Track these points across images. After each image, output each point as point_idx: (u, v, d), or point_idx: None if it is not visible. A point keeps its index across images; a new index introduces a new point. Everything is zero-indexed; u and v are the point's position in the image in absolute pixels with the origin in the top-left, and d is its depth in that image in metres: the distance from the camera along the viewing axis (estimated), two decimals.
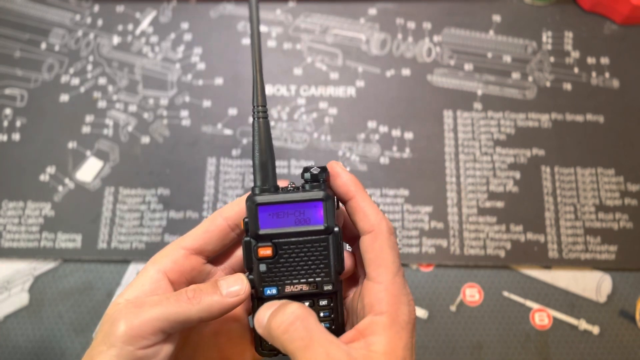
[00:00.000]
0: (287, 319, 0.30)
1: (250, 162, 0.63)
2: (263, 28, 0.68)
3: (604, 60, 0.66)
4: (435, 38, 0.68)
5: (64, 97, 0.66)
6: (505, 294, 0.58)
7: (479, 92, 0.65)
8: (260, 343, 0.36)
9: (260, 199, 0.34)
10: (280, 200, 0.34)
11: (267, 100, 0.36)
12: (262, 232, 0.34)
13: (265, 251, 0.34)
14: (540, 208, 0.61)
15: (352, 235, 0.38)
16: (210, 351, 0.36)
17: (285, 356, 0.32)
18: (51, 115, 0.65)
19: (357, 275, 0.37)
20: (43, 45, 0.68)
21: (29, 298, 0.59)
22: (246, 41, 0.68)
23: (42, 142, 0.64)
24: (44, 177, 0.62)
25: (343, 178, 0.35)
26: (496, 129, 0.64)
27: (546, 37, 0.67)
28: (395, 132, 0.64)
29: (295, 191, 0.35)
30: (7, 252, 0.60)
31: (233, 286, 0.33)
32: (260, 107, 0.35)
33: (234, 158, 0.63)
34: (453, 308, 0.58)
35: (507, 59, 0.66)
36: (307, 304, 0.35)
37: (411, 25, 0.68)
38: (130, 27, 0.69)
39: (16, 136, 0.64)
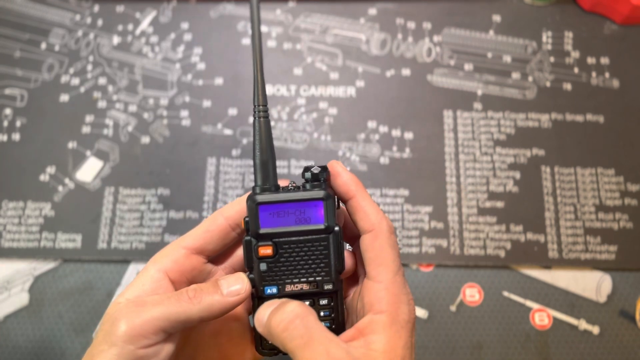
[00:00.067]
0: (286, 317, 0.31)
1: (250, 162, 0.63)
2: (263, 28, 0.68)
3: (604, 60, 0.66)
4: (435, 38, 0.68)
5: (64, 97, 0.66)
6: (505, 294, 0.58)
7: (479, 92, 0.65)
8: (261, 342, 0.36)
9: (260, 198, 0.34)
10: (281, 199, 0.34)
11: (267, 100, 0.36)
12: (262, 231, 0.34)
13: (266, 250, 0.34)
14: (540, 208, 0.61)
15: (352, 234, 0.38)
16: (210, 351, 0.36)
17: (285, 356, 0.32)
18: (51, 115, 0.65)
19: (357, 274, 0.37)
20: (43, 45, 0.68)
21: (29, 298, 0.59)
22: (246, 41, 0.68)
23: (42, 142, 0.64)
24: (44, 177, 0.62)
25: (343, 177, 0.35)
26: (496, 129, 0.64)
27: (546, 37, 0.67)
28: (395, 132, 0.64)
29: (295, 190, 0.35)
30: (7, 252, 0.60)
31: (234, 285, 0.33)
32: (261, 107, 0.35)
33: (234, 158, 0.63)
34: (453, 308, 0.58)
35: (507, 59, 0.66)
36: (307, 303, 0.35)
37: (411, 25, 0.68)
38: (130, 27, 0.69)
39: (16, 136, 0.64)
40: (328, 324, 0.35)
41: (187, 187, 0.62)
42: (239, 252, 0.38)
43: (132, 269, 0.60)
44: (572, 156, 0.62)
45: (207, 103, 0.65)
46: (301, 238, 0.34)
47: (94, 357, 0.30)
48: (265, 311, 0.33)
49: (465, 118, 0.64)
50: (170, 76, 0.66)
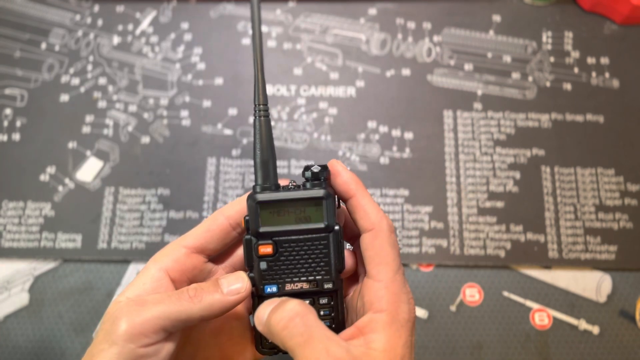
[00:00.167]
0: (286, 315, 0.30)
1: (250, 162, 0.63)
2: (263, 28, 0.68)
3: (604, 60, 0.66)
4: (435, 38, 0.68)
5: (64, 97, 0.66)
6: (505, 294, 0.58)
7: (479, 92, 0.65)
8: (261, 341, 0.36)
9: (261, 196, 0.34)
10: (281, 198, 0.34)
11: (268, 100, 0.36)
12: (262, 230, 0.34)
13: (266, 249, 0.34)
14: (540, 208, 0.61)
15: (352, 233, 0.38)
16: (211, 350, 0.36)
17: (285, 355, 0.32)
18: (51, 115, 0.65)
19: (357, 273, 0.37)
20: (43, 45, 0.68)
21: (29, 298, 0.59)
22: (246, 41, 0.68)
23: (42, 142, 0.64)
24: (44, 177, 0.62)
25: (344, 176, 0.35)
26: (496, 129, 0.64)
27: (546, 37, 0.67)
28: (395, 132, 0.64)
29: (296, 189, 0.35)
30: (7, 252, 0.60)
31: (234, 284, 0.33)
32: (261, 106, 0.35)
33: (234, 158, 0.63)
34: (453, 308, 0.58)
35: (507, 59, 0.66)
36: (307, 302, 0.35)
37: (411, 25, 0.68)
38: (130, 27, 0.69)
39: (16, 136, 0.64)
40: (328, 323, 0.35)
41: (187, 187, 0.62)
42: (240, 252, 0.38)
43: (132, 269, 0.60)
44: (572, 156, 0.62)
45: (207, 103, 0.65)
46: (301, 237, 0.34)
47: (94, 356, 0.30)
48: (265, 310, 0.33)
49: (465, 118, 0.64)
50: (170, 76, 0.66)
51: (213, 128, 0.64)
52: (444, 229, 0.60)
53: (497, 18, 0.68)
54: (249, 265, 0.35)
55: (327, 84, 0.66)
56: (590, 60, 0.66)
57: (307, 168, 0.35)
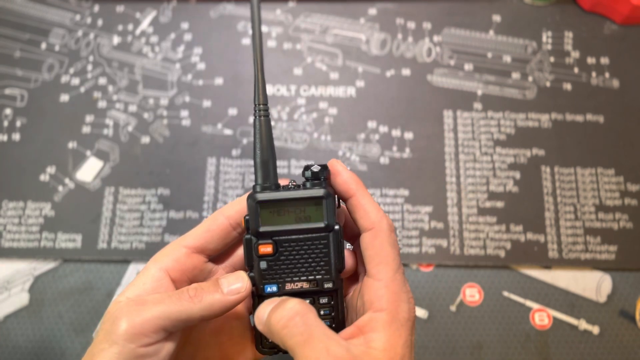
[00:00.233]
0: (286, 314, 0.30)
1: (250, 162, 0.63)
2: (263, 28, 0.68)
3: (604, 60, 0.66)
4: (435, 38, 0.68)
5: (64, 97, 0.66)
6: (505, 294, 0.58)
7: (479, 92, 0.65)
8: (261, 341, 0.36)
9: (260, 196, 0.34)
10: (281, 197, 0.34)
11: (268, 100, 0.36)
12: (262, 229, 0.34)
13: (266, 248, 0.34)
14: (540, 208, 0.61)
15: (352, 233, 0.38)
16: (211, 349, 0.36)
17: (285, 355, 0.32)
18: (51, 115, 0.65)
19: (357, 273, 0.37)
20: (43, 45, 0.68)
21: (29, 298, 0.59)
22: (246, 41, 0.68)
23: (42, 142, 0.64)
24: (44, 177, 0.62)
25: (343, 176, 0.35)
26: (496, 129, 0.64)
27: (546, 37, 0.67)
28: (395, 132, 0.64)
29: (296, 189, 0.35)
30: (7, 252, 0.60)
31: (234, 284, 0.33)
32: (261, 106, 0.35)
33: (234, 158, 0.63)
34: (453, 308, 0.58)
35: (507, 59, 0.66)
36: (307, 301, 0.35)
37: (411, 25, 0.68)
38: (130, 27, 0.69)
39: (16, 136, 0.64)
40: (328, 323, 0.35)
41: (187, 187, 0.62)
42: (240, 251, 0.38)
43: (132, 269, 0.60)
44: (572, 156, 0.62)
45: (207, 103, 0.65)
46: (301, 236, 0.34)
47: (94, 356, 0.30)
48: (265, 309, 0.33)
49: (465, 118, 0.64)
50: (170, 76, 0.66)
51: (213, 128, 0.64)
52: (444, 229, 0.60)
53: (497, 18, 0.68)
54: (249, 264, 0.35)
55: (327, 84, 0.66)
56: (590, 60, 0.66)
57: (307, 168, 0.35)
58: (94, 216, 0.61)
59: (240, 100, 0.65)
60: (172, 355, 0.32)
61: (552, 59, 0.66)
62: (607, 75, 0.65)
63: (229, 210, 0.36)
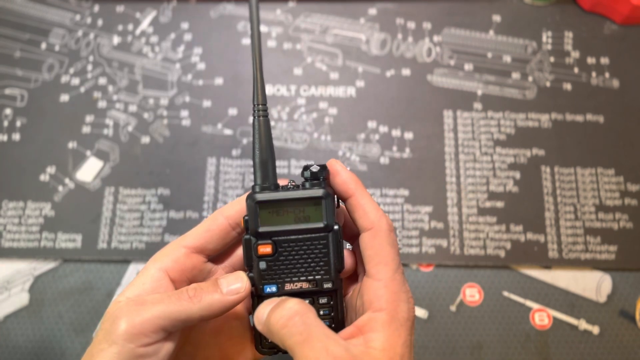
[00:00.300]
0: (286, 314, 0.31)
1: (250, 162, 0.63)
2: (263, 28, 0.68)
3: (604, 60, 0.66)
4: (435, 38, 0.68)
5: (64, 97, 0.66)
6: (505, 294, 0.58)
7: (479, 92, 0.65)
8: (260, 341, 0.36)
9: (260, 196, 0.34)
10: (280, 197, 0.34)
11: (267, 100, 0.36)
12: (262, 229, 0.34)
13: (265, 249, 0.34)
14: (540, 208, 0.61)
15: (352, 233, 0.38)
16: (210, 350, 0.36)
17: (285, 355, 0.32)
18: (51, 115, 0.65)
19: (356, 272, 0.37)
20: (43, 45, 0.68)
21: (29, 298, 0.59)
22: (246, 41, 0.68)
23: (42, 142, 0.64)
24: (44, 177, 0.62)
25: (343, 176, 0.35)
26: (496, 129, 0.64)
27: (546, 37, 0.67)
28: (395, 132, 0.64)
29: (295, 189, 0.35)
30: (7, 252, 0.60)
31: (233, 284, 0.33)
32: (260, 106, 0.35)
33: (234, 158, 0.63)
34: (453, 308, 0.58)
35: (507, 59, 0.66)
36: (307, 301, 0.35)
37: (411, 25, 0.68)
38: (130, 27, 0.69)
39: (16, 136, 0.64)
40: (327, 322, 0.35)
41: (187, 187, 0.62)
42: (239, 252, 0.38)
43: (132, 269, 0.60)
44: (572, 156, 0.62)
45: (207, 103, 0.65)
46: (300, 237, 0.34)
47: (94, 356, 0.30)
48: (264, 309, 0.33)
49: (465, 118, 0.64)
50: (170, 76, 0.66)
51: (213, 128, 0.64)
52: (444, 229, 0.60)
53: (497, 18, 0.68)
54: (248, 265, 0.35)
55: (327, 84, 0.66)
56: (590, 60, 0.66)
57: (306, 168, 0.35)
58: (94, 216, 0.61)
59: (240, 100, 0.65)
60: (172, 355, 0.32)
61: (552, 59, 0.66)
62: (607, 75, 0.65)
63: (229, 211, 0.36)
